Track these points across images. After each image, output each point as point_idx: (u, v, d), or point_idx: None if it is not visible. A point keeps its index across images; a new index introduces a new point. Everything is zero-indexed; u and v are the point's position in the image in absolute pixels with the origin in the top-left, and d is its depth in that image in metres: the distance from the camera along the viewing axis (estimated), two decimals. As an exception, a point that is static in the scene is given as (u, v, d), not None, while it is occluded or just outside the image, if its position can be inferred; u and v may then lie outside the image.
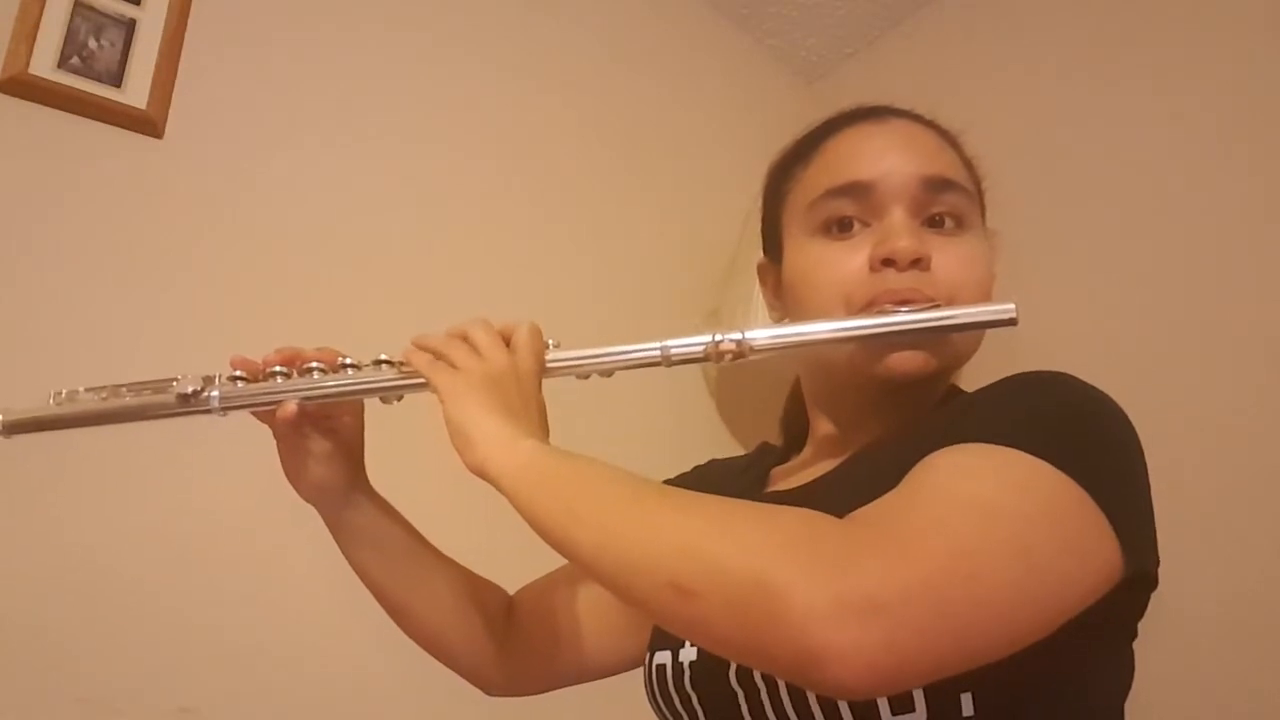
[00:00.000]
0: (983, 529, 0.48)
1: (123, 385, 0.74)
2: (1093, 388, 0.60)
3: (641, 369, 0.69)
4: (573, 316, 1.59)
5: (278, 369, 0.73)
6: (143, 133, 1.27)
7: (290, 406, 0.72)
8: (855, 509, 0.52)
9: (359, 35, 1.53)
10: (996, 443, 0.53)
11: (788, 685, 0.59)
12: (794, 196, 0.76)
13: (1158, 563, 0.58)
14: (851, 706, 0.56)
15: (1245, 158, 1.46)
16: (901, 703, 0.54)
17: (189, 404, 0.72)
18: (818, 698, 0.57)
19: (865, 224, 0.70)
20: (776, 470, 0.82)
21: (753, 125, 2.02)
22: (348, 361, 0.73)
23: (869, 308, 0.67)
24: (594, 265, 1.74)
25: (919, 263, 0.67)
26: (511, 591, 0.89)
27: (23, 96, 1.19)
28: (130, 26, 1.29)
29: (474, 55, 1.67)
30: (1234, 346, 1.41)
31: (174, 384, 0.72)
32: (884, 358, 0.67)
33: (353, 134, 1.48)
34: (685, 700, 0.67)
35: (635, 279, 1.79)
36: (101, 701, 1.08)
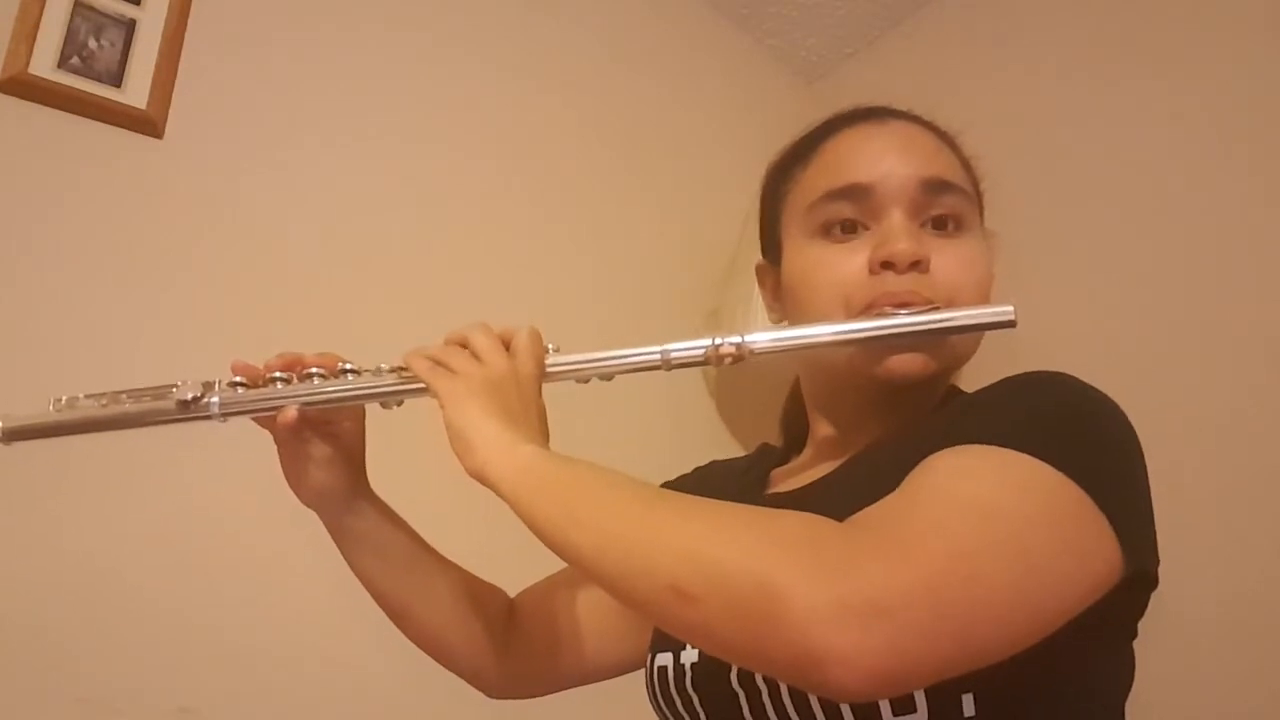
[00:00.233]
0: (982, 530, 0.48)
1: (122, 391, 0.74)
2: (1092, 388, 0.60)
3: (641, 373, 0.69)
4: (572, 316, 1.61)
5: (278, 375, 0.73)
6: (143, 133, 1.27)
7: (290, 412, 0.71)
8: (856, 510, 0.52)
9: (359, 35, 1.53)
10: (996, 444, 0.53)
11: (789, 686, 0.59)
12: (792, 198, 0.76)
13: (1158, 562, 0.58)
14: (853, 707, 0.56)
15: (1245, 157, 1.46)
16: (903, 704, 0.54)
17: (189, 410, 0.72)
18: (820, 699, 0.57)
19: (864, 226, 0.70)
20: (777, 471, 0.82)
21: (753, 125, 2.02)
22: (348, 367, 0.73)
23: (868, 310, 0.67)
24: (594, 265, 1.74)
25: (918, 265, 0.67)
26: (512, 594, 0.89)
27: (23, 96, 1.19)
28: (130, 26, 1.29)
29: (474, 55, 1.67)
30: (1234, 346, 1.41)
31: (174, 390, 0.72)
32: (883, 360, 0.67)
33: (353, 134, 1.48)
34: (687, 702, 0.67)
35: (635, 279, 1.79)
36: (101, 701, 1.08)
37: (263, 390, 0.73)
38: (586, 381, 0.72)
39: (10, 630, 1.04)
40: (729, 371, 1.73)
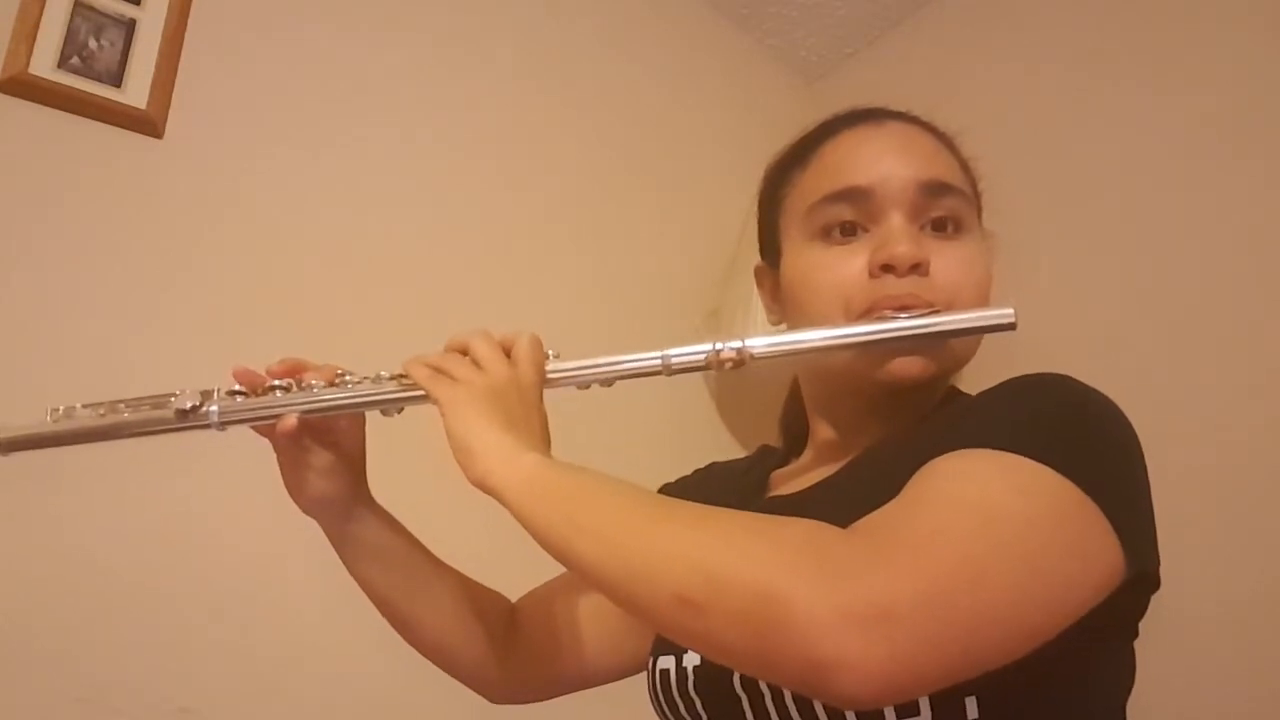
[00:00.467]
0: (986, 535, 0.48)
1: (120, 401, 0.73)
2: (1092, 390, 0.60)
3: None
4: (572, 316, 1.60)
5: (277, 383, 0.72)
6: (143, 133, 1.27)
7: (290, 420, 0.71)
8: (857, 514, 0.52)
9: (359, 35, 1.53)
10: (997, 447, 0.53)
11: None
12: (791, 201, 0.76)
13: (1159, 563, 0.59)
14: (857, 711, 0.56)
15: (1245, 158, 1.46)
16: (907, 708, 0.54)
17: (188, 419, 0.71)
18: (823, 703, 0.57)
19: (863, 228, 0.70)
20: (777, 474, 0.82)
21: (753, 125, 2.02)
22: (347, 375, 0.73)
23: (868, 313, 0.67)
24: (594, 265, 1.74)
25: (918, 268, 0.67)
26: (513, 599, 0.89)
27: (23, 96, 1.19)
28: (130, 26, 1.28)
29: (474, 56, 1.67)
30: (1234, 347, 1.41)
31: (172, 399, 0.72)
32: (884, 363, 0.67)
33: (353, 134, 1.48)
34: (689, 705, 0.67)
35: (635, 279, 1.79)
36: (101, 701, 1.08)
37: (261, 399, 0.72)
38: (587, 387, 0.72)
39: (10, 630, 1.04)
40: (730, 373, 1.73)
